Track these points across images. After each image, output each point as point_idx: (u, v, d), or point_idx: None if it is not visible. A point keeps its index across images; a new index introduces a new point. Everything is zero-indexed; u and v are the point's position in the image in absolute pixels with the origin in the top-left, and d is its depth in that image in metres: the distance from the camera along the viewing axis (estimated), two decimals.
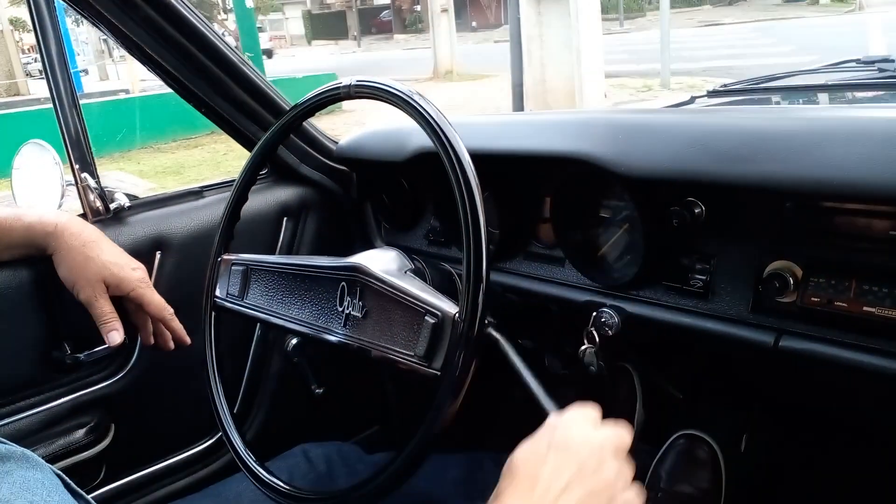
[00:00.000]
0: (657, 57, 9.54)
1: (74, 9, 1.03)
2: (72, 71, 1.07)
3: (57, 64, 1.03)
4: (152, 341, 1.05)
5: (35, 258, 0.99)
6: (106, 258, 0.97)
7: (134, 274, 1.00)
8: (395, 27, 35.19)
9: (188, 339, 1.06)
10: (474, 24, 32.53)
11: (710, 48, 13.78)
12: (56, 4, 1.04)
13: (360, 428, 1.51)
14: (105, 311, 0.97)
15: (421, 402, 1.48)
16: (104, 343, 1.07)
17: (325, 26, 36.91)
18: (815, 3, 23.79)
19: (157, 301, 1.02)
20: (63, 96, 1.04)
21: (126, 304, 1.01)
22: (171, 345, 1.06)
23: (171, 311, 1.04)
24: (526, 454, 0.60)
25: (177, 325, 1.05)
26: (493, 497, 0.58)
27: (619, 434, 0.62)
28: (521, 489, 0.57)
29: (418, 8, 33.12)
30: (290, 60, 25.44)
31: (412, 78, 14.27)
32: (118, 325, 0.98)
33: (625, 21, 23.04)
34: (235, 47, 1.13)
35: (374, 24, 36.40)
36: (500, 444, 1.40)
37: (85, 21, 1.04)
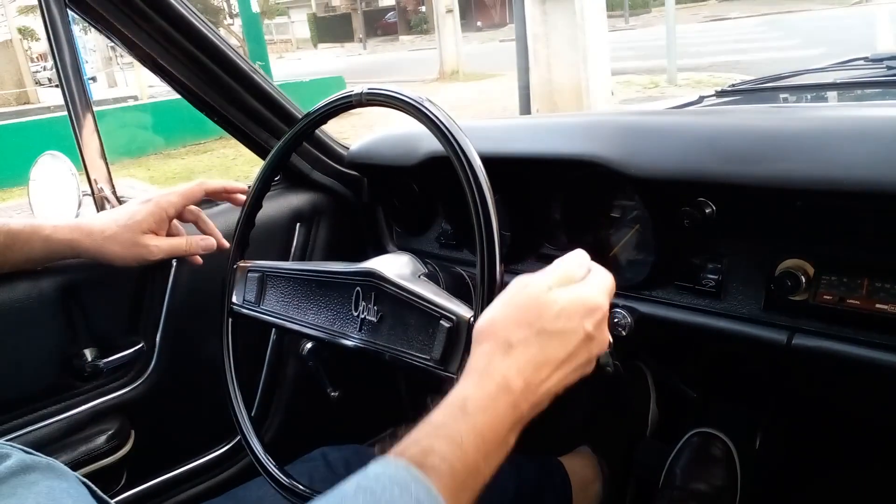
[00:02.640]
0: (663, 53, 9.51)
1: (87, 21, 1.04)
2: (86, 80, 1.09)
3: (72, 75, 1.04)
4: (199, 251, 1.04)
5: (55, 268, 1.00)
6: (125, 221, 0.97)
7: (150, 203, 1.00)
8: (401, 28, 35.21)
9: (225, 242, 1.04)
10: (479, 23, 32.52)
11: (716, 43, 13.72)
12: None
13: (376, 430, 1.52)
14: (173, 245, 0.99)
15: (436, 405, 1.48)
16: (123, 350, 1.10)
17: (330, 29, 36.99)
18: None
19: (187, 190, 1.02)
20: (78, 106, 1.05)
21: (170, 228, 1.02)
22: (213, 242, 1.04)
23: (204, 183, 1.05)
24: (491, 315, 0.61)
25: (215, 187, 1.05)
26: (465, 369, 0.59)
27: (587, 292, 0.62)
28: (489, 351, 0.58)
29: (423, 9, 33.14)
30: (296, 64, 25.52)
31: (418, 79, 14.29)
32: (195, 238, 1.01)
33: (630, 17, 22.98)
34: (242, 50, 1.15)
35: (379, 26, 36.44)
36: (516, 445, 1.40)
37: (93, 29, 1.05)
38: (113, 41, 1.08)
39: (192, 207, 1.04)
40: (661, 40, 9.89)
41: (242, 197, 1.05)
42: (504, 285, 0.68)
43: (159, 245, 0.98)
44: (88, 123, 1.06)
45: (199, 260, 1.06)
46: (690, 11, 22.83)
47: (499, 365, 0.57)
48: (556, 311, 0.59)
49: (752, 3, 25.06)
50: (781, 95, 1.28)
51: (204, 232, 1.06)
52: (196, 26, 1.05)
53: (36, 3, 1.02)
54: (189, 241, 1.02)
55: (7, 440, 0.98)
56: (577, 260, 0.65)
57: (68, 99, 1.04)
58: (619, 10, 22.45)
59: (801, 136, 0.76)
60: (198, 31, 1.06)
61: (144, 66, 1.10)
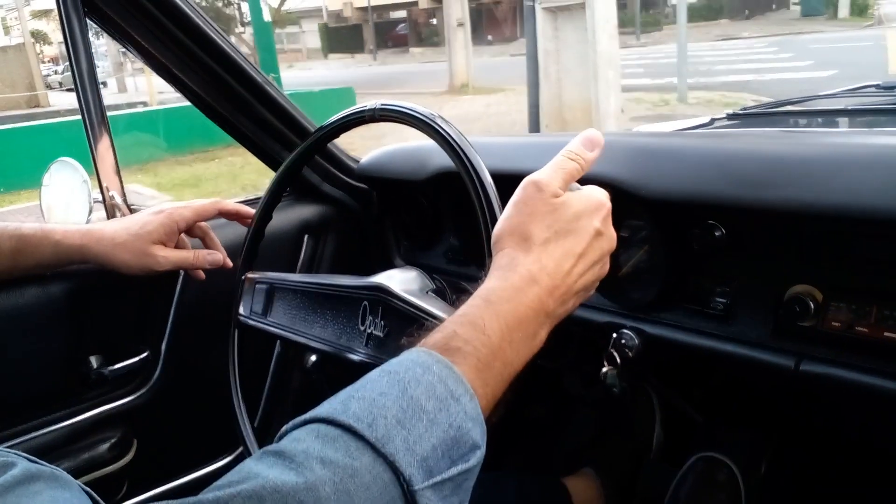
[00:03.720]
0: (674, 71, 9.54)
1: (105, 30, 1.05)
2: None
3: (88, 85, 1.05)
4: (203, 269, 1.05)
5: (63, 274, 1.00)
6: (136, 229, 0.97)
7: (161, 214, 1.00)
8: (411, 40, 35.41)
9: (229, 262, 1.05)
10: (490, 37, 32.67)
11: (727, 62, 13.75)
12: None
13: None
14: (180, 257, 1.00)
15: None
16: (129, 358, 1.10)
17: (341, 40, 37.21)
18: (833, 18, 23.70)
19: (199, 205, 1.03)
20: (93, 116, 1.06)
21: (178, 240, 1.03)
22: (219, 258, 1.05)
23: (218, 202, 1.05)
24: (507, 219, 0.64)
25: (230, 207, 1.06)
26: (489, 269, 0.62)
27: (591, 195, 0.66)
28: (511, 251, 0.61)
29: (434, 21, 33.35)
30: (306, 73, 25.68)
31: (427, 91, 14.35)
32: (202, 252, 1.02)
33: (641, 35, 23.06)
34: (253, 59, 1.16)
35: (390, 38, 36.64)
36: (519, 464, 1.40)
37: (104, 34, 1.06)
38: (129, 50, 1.09)
39: (202, 224, 1.05)
40: (672, 58, 9.93)
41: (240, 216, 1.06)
42: None
43: (167, 256, 0.98)
44: (102, 132, 1.07)
45: (202, 275, 1.06)
46: (702, 30, 22.90)
47: (522, 260, 0.60)
48: (571, 212, 0.63)
49: (765, 23, 25.16)
50: (792, 120, 1.28)
51: (210, 248, 1.06)
52: (212, 37, 1.06)
53: (50, 7, 1.03)
54: (196, 255, 1.02)
55: (10, 446, 0.98)
56: (584, 153, 0.68)
57: (84, 108, 1.05)
58: (630, 26, 22.52)
59: (812, 162, 0.76)
60: (213, 43, 1.07)
61: (160, 75, 1.11)
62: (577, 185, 0.68)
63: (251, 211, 1.05)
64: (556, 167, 0.66)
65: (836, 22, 22.68)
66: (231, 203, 1.07)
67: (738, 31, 22.27)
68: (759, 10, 28.81)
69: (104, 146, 1.09)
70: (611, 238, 0.66)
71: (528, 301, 0.58)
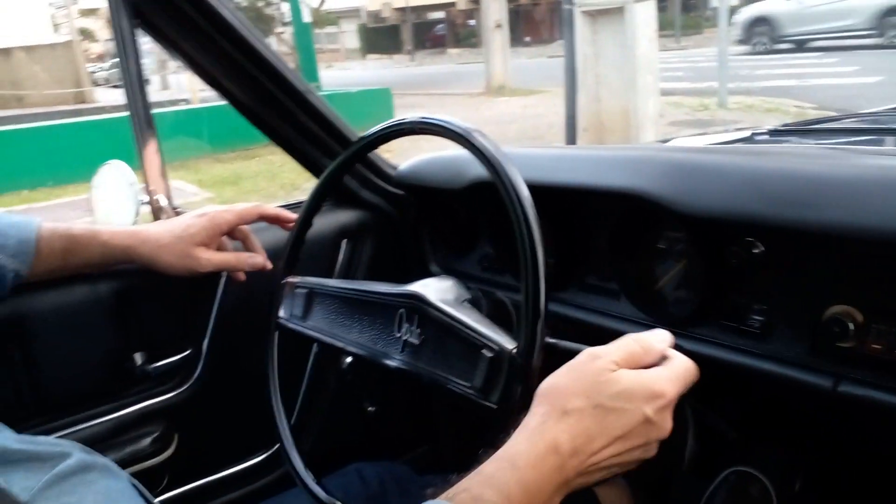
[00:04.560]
0: (714, 75, 9.40)
1: (153, 38, 1.09)
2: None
3: (136, 90, 1.09)
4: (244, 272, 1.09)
5: (111, 273, 1.04)
6: (179, 232, 1.01)
7: (205, 217, 1.03)
8: (449, 41, 35.48)
9: (269, 264, 1.08)
10: (527, 38, 32.57)
11: (769, 67, 13.50)
12: None
13: (409, 447, 1.53)
14: (222, 259, 1.04)
15: (468, 426, 1.49)
16: (172, 356, 1.13)
17: (379, 40, 37.45)
18: None
19: (243, 209, 1.06)
20: (141, 120, 1.10)
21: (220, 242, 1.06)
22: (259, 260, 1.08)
23: (261, 205, 1.08)
24: (553, 381, 0.63)
25: (273, 212, 1.09)
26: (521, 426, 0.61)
27: (664, 378, 0.64)
28: (545, 413, 0.61)
29: (472, 22, 33.35)
30: (344, 74, 25.89)
31: (464, 92, 14.36)
32: (244, 255, 1.06)
33: (681, 38, 22.76)
34: (292, 59, 1.18)
35: (428, 39, 36.77)
36: None
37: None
38: (176, 58, 1.12)
39: (243, 227, 1.08)
40: (712, 62, 9.79)
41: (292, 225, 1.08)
42: (548, 316, 0.69)
43: (210, 258, 1.02)
44: (149, 137, 1.11)
45: (243, 276, 1.09)
46: None
47: (552, 427, 0.59)
48: (617, 389, 0.60)
49: None
50: (833, 138, 1.26)
51: (251, 251, 1.09)
52: (256, 47, 1.09)
53: (97, 5, 1.07)
54: (238, 258, 1.05)
55: (60, 436, 1.02)
56: (653, 341, 0.66)
57: (132, 113, 1.08)
58: (670, 29, 22.24)
59: (853, 184, 0.75)
60: (258, 52, 1.10)
61: (205, 82, 1.14)
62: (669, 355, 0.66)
63: (291, 215, 1.07)
64: (619, 344, 0.65)
65: None
66: (272, 207, 1.10)
67: None
68: None
69: (151, 150, 1.12)
70: (663, 428, 0.62)
71: (549, 468, 0.58)
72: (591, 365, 0.62)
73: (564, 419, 0.59)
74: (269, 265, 1.07)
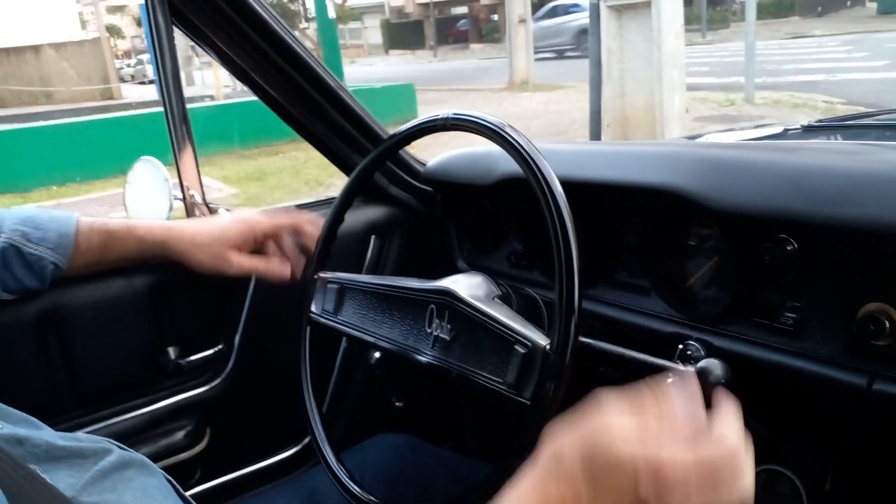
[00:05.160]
0: (741, 70, 9.28)
1: (189, 36, 1.10)
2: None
3: (172, 88, 1.10)
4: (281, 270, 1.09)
5: (146, 268, 1.06)
6: (215, 233, 1.03)
7: (245, 221, 1.05)
8: (472, 37, 35.38)
9: (297, 274, 1.09)
10: None
11: (797, 62, 13.31)
12: None
13: (437, 442, 1.54)
14: (252, 264, 1.05)
15: (495, 423, 1.49)
16: (204, 350, 1.15)
17: (402, 35, 37.48)
18: None
19: (282, 221, 1.07)
20: (176, 118, 1.11)
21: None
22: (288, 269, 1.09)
23: (302, 221, 1.08)
24: (578, 436, 0.53)
25: (311, 232, 1.08)
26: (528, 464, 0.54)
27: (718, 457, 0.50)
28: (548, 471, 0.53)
29: (496, 17, 33.22)
30: (368, 69, 25.95)
31: (486, 88, 14.34)
32: (272, 263, 1.06)
33: (707, 32, 22.49)
34: (317, 54, 1.19)
35: (450, 34, 36.71)
36: None
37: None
38: (210, 55, 1.14)
39: (279, 234, 1.09)
40: (739, 56, 9.67)
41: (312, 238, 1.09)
42: (582, 313, 0.69)
43: (241, 263, 1.03)
44: (184, 134, 1.12)
45: (272, 280, 1.09)
46: (771, 28, 22.18)
47: (547, 487, 0.52)
48: (613, 461, 0.50)
49: (838, 20, 24.23)
50: (867, 134, 1.24)
51: (283, 258, 1.10)
52: (290, 45, 1.10)
53: (124, 3, 1.08)
54: (267, 265, 1.06)
55: (94, 429, 1.04)
56: (681, 406, 0.54)
57: (168, 110, 1.10)
58: (696, 24, 22.00)
59: (890, 180, 0.74)
60: (291, 50, 1.11)
61: (239, 79, 1.16)
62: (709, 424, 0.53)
63: (313, 231, 1.07)
64: (638, 395, 0.55)
65: None
66: (304, 220, 1.09)
67: (809, 29, 21.49)
68: (832, 8, 27.75)
69: (185, 146, 1.14)
70: None
71: None
72: (595, 421, 0.53)
73: (561, 481, 0.52)
74: (297, 275, 1.07)
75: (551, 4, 22.11)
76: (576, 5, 19.96)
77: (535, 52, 17.27)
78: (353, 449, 1.07)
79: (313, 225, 1.07)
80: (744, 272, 0.88)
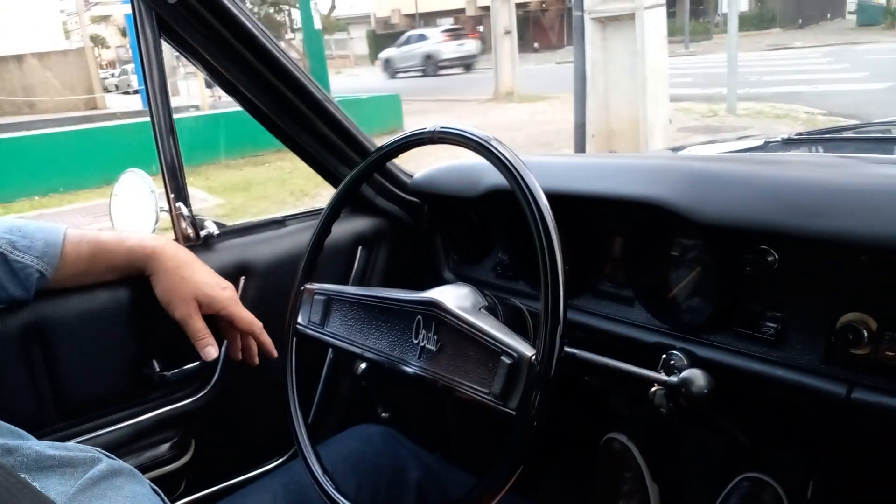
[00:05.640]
0: (724, 81, 9.39)
1: (176, 48, 1.11)
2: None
3: (159, 98, 1.10)
4: (240, 356, 1.11)
5: (131, 280, 1.05)
6: (198, 279, 1.03)
7: (224, 293, 1.05)
8: None
9: (275, 353, 1.10)
10: (536, 44, 32.61)
11: (778, 73, 13.48)
12: None
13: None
14: (199, 327, 1.03)
15: (482, 434, 1.50)
16: (189, 363, 1.14)
17: (388, 46, 37.56)
18: (891, 28, 23.05)
19: (246, 317, 1.07)
20: (163, 127, 1.11)
21: (217, 322, 1.07)
22: (256, 360, 1.11)
23: (260, 325, 1.09)
24: None
25: (265, 338, 1.10)
26: None
27: None
28: None
29: (481, 29, 33.39)
30: (354, 80, 26.01)
31: (473, 99, 14.39)
32: (212, 340, 1.04)
33: (690, 44, 22.75)
34: (303, 65, 1.20)
35: None
36: (553, 494, 1.41)
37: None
38: (197, 67, 1.14)
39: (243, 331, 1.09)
40: (721, 68, 9.77)
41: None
42: (567, 324, 0.70)
43: (191, 320, 1.03)
44: (171, 145, 1.12)
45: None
46: (753, 39, 22.48)
47: None
48: None
49: (818, 32, 24.57)
50: (847, 147, 1.26)
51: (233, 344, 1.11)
52: (278, 58, 1.11)
53: (108, 12, 1.08)
54: (199, 341, 1.04)
55: (80, 441, 1.03)
56: None
57: (155, 121, 1.10)
58: (679, 35, 22.24)
59: (868, 193, 0.76)
60: (279, 63, 1.11)
61: (226, 92, 1.16)
62: None
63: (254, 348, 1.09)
64: None
65: (894, 32, 22.03)
66: (262, 339, 1.10)
67: (790, 41, 21.79)
68: (812, 20, 28.16)
69: (172, 159, 1.14)
70: None
71: None
72: None
73: None
74: (210, 357, 1.05)
75: (406, 34, 27.47)
76: (423, 36, 25.72)
77: (399, 72, 25.41)
78: (331, 440, 1.09)
79: (264, 334, 1.09)
80: (726, 283, 0.90)
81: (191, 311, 1.02)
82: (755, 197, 0.83)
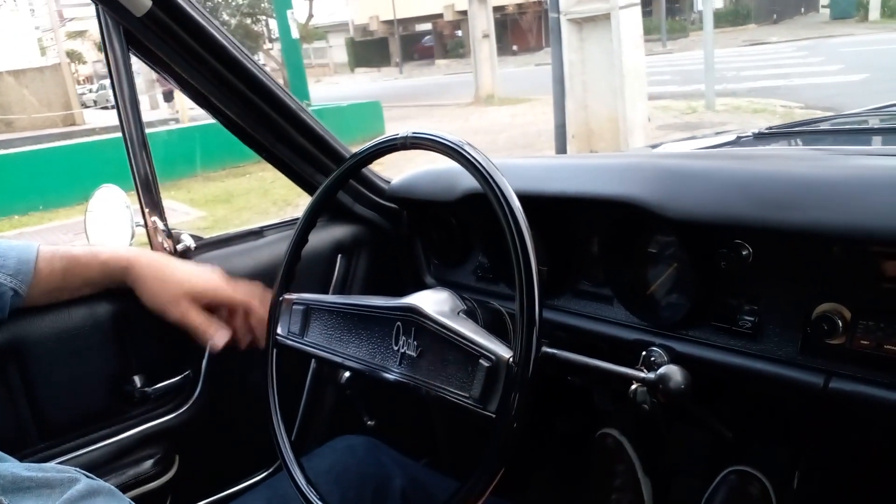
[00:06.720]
0: (701, 78, 9.47)
1: (147, 63, 1.10)
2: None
3: (130, 112, 1.09)
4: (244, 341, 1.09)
5: (108, 295, 1.04)
6: (181, 276, 1.03)
7: (211, 280, 1.05)
8: (437, 53, 35.63)
9: (262, 343, 1.08)
10: (515, 47, 32.75)
11: (755, 68, 13.61)
12: None
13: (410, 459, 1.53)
14: (199, 321, 1.03)
15: (468, 439, 1.50)
16: (170, 378, 1.13)
17: (367, 53, 37.61)
18: (864, 21, 23.36)
19: (240, 293, 1.07)
20: (136, 144, 1.10)
21: (215, 310, 1.06)
22: (262, 342, 1.08)
23: (255, 301, 1.08)
24: None
25: (261, 314, 1.07)
26: None
27: None
28: None
29: (460, 33, 33.50)
30: (334, 88, 25.97)
31: (453, 103, 14.43)
32: (216, 328, 1.04)
33: (668, 41, 22.94)
34: (281, 74, 1.19)
35: (416, 50, 36.94)
36: (542, 494, 1.41)
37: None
38: (168, 81, 1.13)
39: (233, 307, 1.08)
40: (699, 64, 9.87)
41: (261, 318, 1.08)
42: (543, 324, 0.70)
43: (190, 315, 1.03)
44: (144, 158, 1.11)
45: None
46: (729, 35, 22.69)
47: None
48: None
49: (793, 27, 24.85)
50: (818, 139, 1.28)
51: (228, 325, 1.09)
52: (249, 69, 1.10)
53: (85, 27, 1.07)
54: (212, 329, 1.04)
55: (61, 461, 1.02)
56: None
57: (127, 136, 1.09)
58: (656, 33, 22.42)
59: (838, 184, 0.77)
60: (250, 74, 1.11)
61: (198, 104, 1.15)
62: None
63: (262, 313, 1.07)
64: None
65: (867, 25, 22.33)
66: (256, 299, 1.09)
67: (765, 36, 22.03)
68: (787, 15, 28.50)
69: (145, 172, 1.13)
70: None
71: None
72: None
73: None
74: (240, 346, 1.06)
75: None
76: None
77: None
78: (315, 452, 1.08)
79: (263, 305, 1.07)
80: (702, 278, 0.90)
81: (185, 310, 1.02)
82: (727, 192, 0.84)
